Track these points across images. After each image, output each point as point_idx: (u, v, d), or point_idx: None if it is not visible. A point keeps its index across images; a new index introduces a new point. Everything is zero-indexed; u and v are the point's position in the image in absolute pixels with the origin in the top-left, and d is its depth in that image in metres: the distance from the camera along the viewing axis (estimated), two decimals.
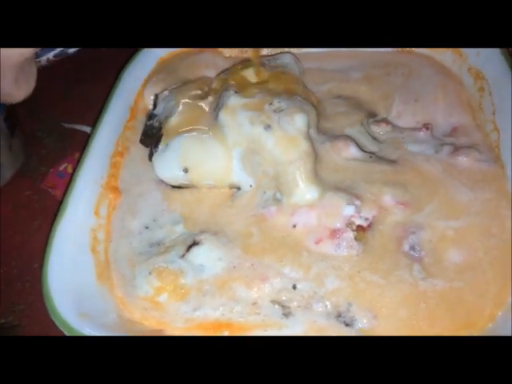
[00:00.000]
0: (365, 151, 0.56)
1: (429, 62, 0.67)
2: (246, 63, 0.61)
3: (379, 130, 0.59)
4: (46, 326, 0.52)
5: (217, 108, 0.55)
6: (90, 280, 0.48)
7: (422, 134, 0.58)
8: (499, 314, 0.45)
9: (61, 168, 0.68)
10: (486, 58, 0.61)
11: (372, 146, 0.57)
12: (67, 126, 0.73)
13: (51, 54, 0.45)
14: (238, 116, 0.53)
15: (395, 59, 0.68)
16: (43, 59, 0.45)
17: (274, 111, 0.52)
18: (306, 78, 0.64)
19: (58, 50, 0.45)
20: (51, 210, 0.63)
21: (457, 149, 0.56)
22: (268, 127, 0.51)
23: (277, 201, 0.52)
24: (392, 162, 0.55)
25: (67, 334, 0.42)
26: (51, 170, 0.68)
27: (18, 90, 0.40)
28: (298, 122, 0.52)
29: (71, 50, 0.46)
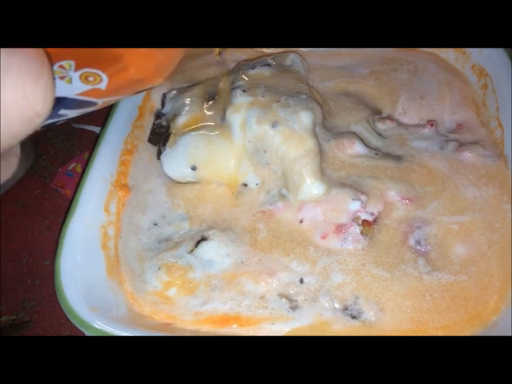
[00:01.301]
0: (370, 148, 0.56)
1: (433, 59, 0.68)
2: (251, 63, 0.62)
3: (384, 126, 0.60)
4: (57, 321, 0.53)
5: (224, 107, 0.56)
6: (100, 275, 0.49)
7: (427, 131, 0.59)
8: (503, 306, 0.45)
9: (69, 167, 0.69)
10: (489, 56, 0.61)
11: (377, 143, 0.58)
12: (76, 126, 0.74)
13: None
14: (245, 114, 0.53)
15: (400, 56, 0.68)
16: None
17: (281, 109, 0.53)
18: (311, 75, 0.64)
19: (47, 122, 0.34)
20: (61, 208, 0.65)
21: (461, 145, 0.56)
22: (275, 125, 0.52)
23: (283, 197, 0.52)
24: (397, 158, 0.55)
25: (79, 326, 0.43)
26: (60, 170, 0.69)
27: None
28: (304, 119, 0.52)
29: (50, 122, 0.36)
